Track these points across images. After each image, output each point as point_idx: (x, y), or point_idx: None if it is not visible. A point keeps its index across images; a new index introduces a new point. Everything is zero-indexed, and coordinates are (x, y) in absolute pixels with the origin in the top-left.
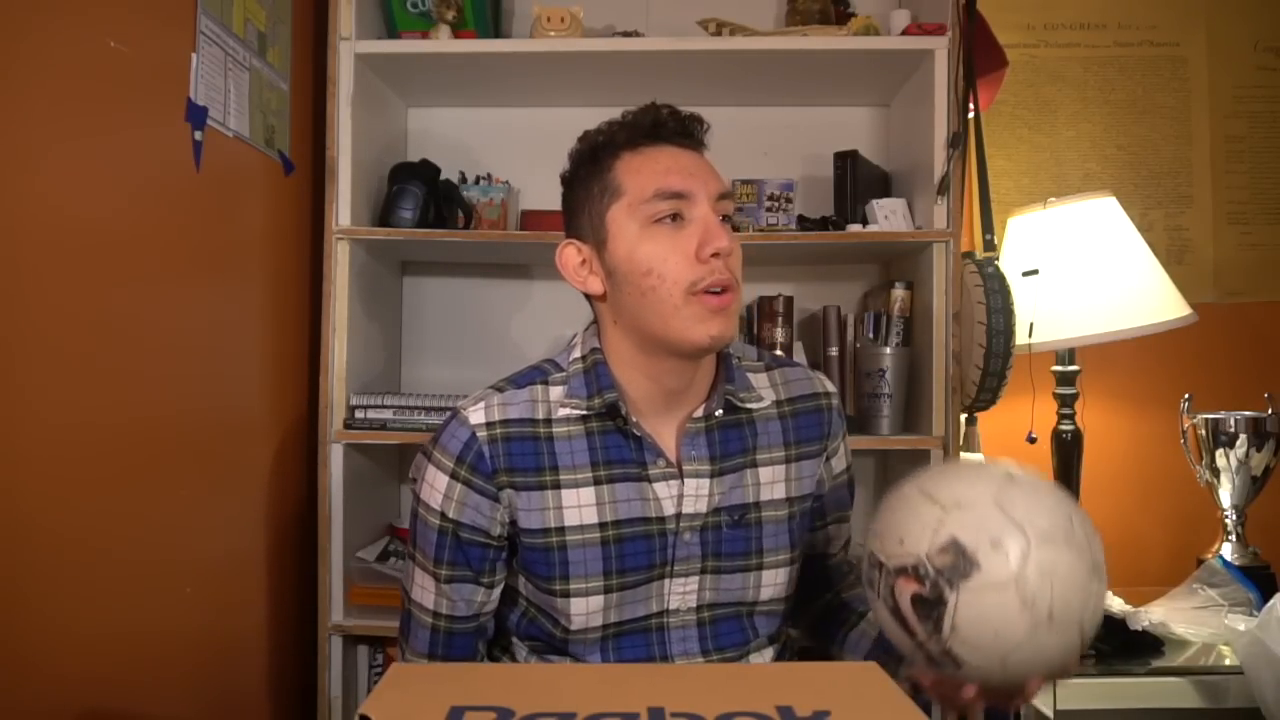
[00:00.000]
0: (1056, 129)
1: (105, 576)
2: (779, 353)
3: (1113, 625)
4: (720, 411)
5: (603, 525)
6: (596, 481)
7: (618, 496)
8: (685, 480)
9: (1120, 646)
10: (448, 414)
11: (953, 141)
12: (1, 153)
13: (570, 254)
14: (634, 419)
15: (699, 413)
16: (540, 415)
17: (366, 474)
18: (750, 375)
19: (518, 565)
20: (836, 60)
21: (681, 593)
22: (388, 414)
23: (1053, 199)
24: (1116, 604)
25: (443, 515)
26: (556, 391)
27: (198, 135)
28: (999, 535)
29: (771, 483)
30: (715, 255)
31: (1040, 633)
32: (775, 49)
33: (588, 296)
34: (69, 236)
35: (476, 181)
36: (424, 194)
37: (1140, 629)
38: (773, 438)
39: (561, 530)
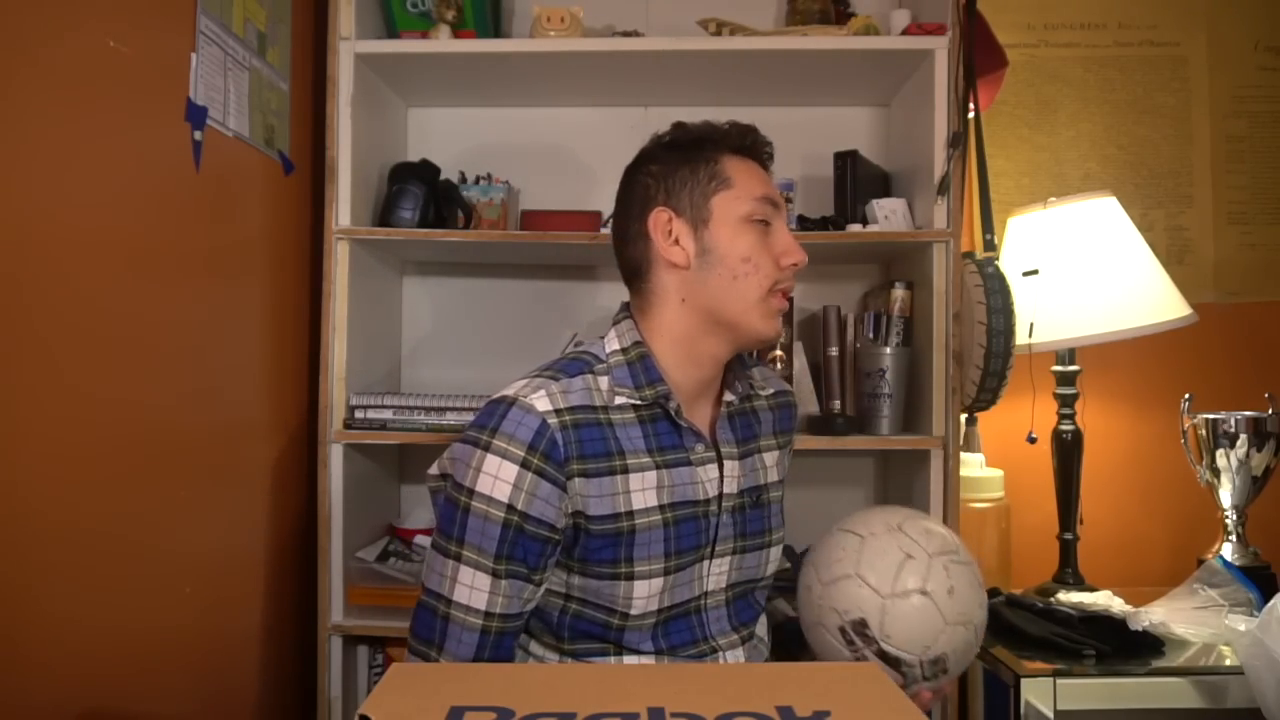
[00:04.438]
0: (1056, 129)
1: (105, 576)
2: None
3: (1113, 625)
4: (737, 399)
5: (663, 508)
6: (656, 466)
7: (674, 480)
8: (725, 463)
9: (1120, 646)
10: (496, 403)
11: (953, 141)
12: (1, 152)
13: (662, 220)
14: (681, 409)
15: (729, 397)
16: (598, 402)
17: (366, 474)
18: (753, 369)
19: (576, 557)
20: (836, 60)
21: (717, 574)
22: (388, 414)
23: (1053, 199)
24: (1117, 604)
25: (509, 507)
26: (604, 381)
27: (197, 135)
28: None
29: (770, 467)
30: (793, 265)
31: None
32: (775, 49)
33: (640, 273)
34: (68, 237)
35: (476, 181)
36: (424, 194)
37: (1140, 629)
38: (766, 426)
39: (631, 514)
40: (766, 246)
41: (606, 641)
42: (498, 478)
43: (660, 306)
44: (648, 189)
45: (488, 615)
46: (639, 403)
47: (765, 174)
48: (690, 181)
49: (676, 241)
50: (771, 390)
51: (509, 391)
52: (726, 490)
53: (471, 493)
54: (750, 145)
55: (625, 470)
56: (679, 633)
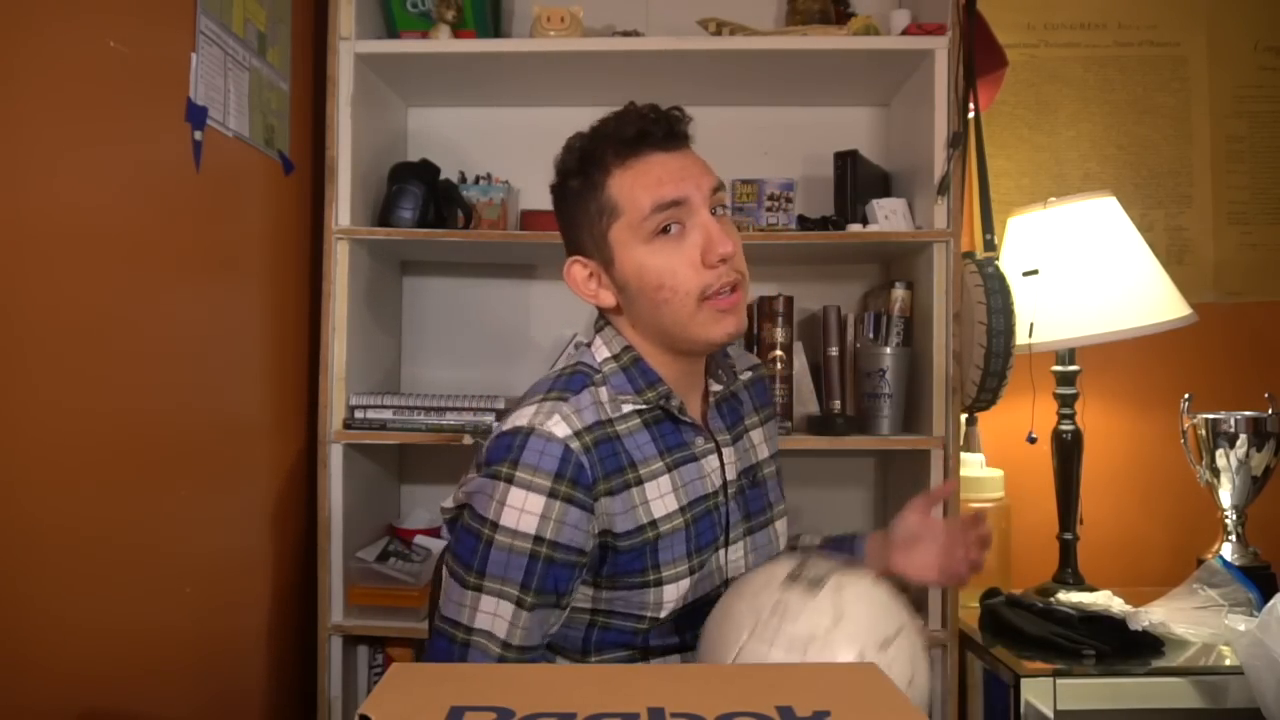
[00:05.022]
0: (1056, 129)
1: (105, 576)
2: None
3: (1113, 625)
4: (722, 387)
5: (682, 509)
6: (668, 469)
7: (685, 479)
8: (723, 450)
9: (1120, 646)
10: (510, 434)
11: (953, 141)
12: (1, 153)
13: (578, 271)
14: (684, 406)
15: (715, 386)
16: (604, 416)
17: (366, 474)
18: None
19: (605, 574)
20: (836, 60)
21: (735, 560)
22: (388, 414)
23: (1053, 199)
24: (1117, 604)
25: (537, 539)
26: (604, 392)
27: (198, 135)
28: None
29: (759, 444)
30: (721, 260)
31: None
32: (775, 49)
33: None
34: (69, 237)
35: (476, 181)
36: (424, 194)
37: (1140, 629)
38: (746, 406)
39: (654, 524)
40: (682, 256)
41: (634, 648)
42: (524, 510)
43: (621, 328)
44: (563, 233)
45: (506, 645)
46: (643, 407)
47: (665, 160)
48: (585, 222)
49: (599, 282)
50: (747, 374)
51: (522, 422)
52: (729, 477)
53: (495, 526)
54: (635, 138)
55: (640, 481)
56: (701, 623)
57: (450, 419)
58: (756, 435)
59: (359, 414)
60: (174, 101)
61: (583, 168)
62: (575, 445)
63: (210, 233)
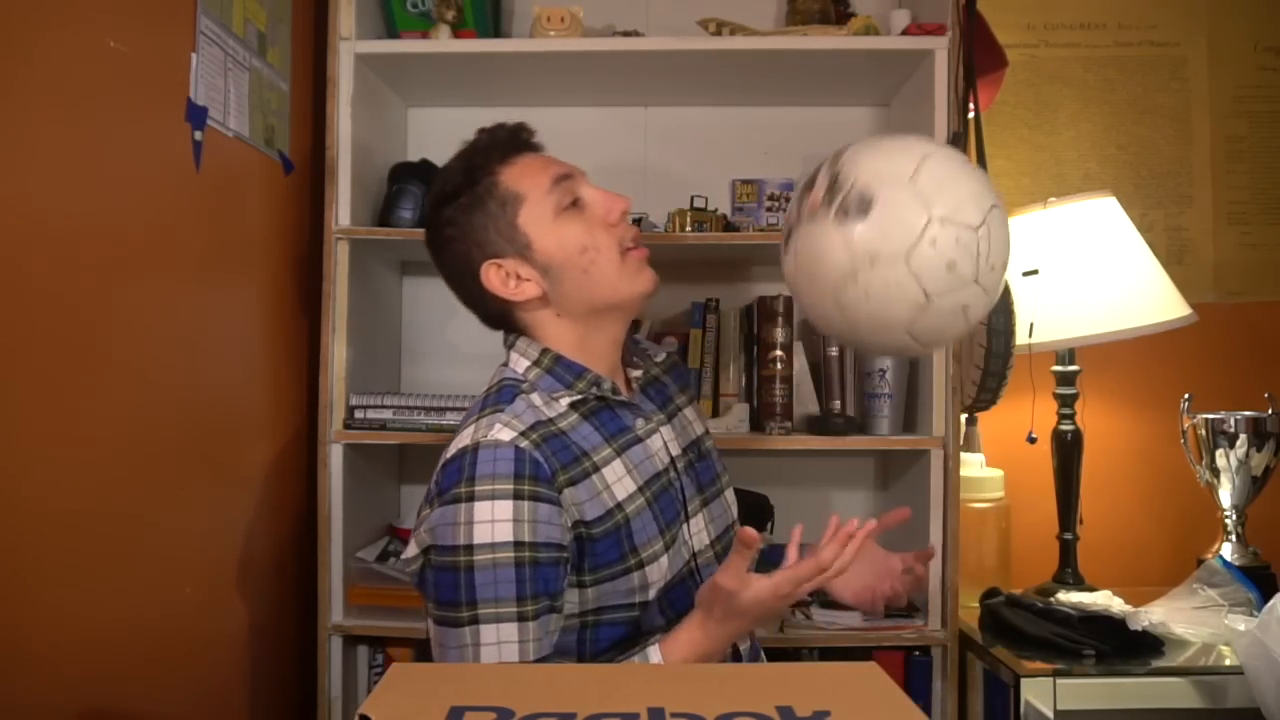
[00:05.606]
0: (1056, 129)
1: (105, 577)
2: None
3: (1113, 625)
4: (642, 372)
5: (640, 489)
6: (617, 453)
7: (636, 460)
8: (661, 429)
9: (1120, 646)
10: (458, 457)
11: (953, 141)
12: (1, 152)
13: (493, 274)
14: (617, 387)
15: (635, 373)
16: (543, 417)
17: (366, 474)
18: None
19: (587, 569)
20: (836, 60)
21: (698, 531)
22: (387, 414)
23: (1053, 199)
24: (1117, 604)
25: (516, 544)
26: (536, 397)
27: (198, 135)
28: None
29: (693, 421)
30: (623, 214)
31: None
32: (775, 49)
33: (508, 320)
34: (69, 236)
35: None
36: (424, 194)
37: (1140, 629)
38: (672, 388)
39: (620, 506)
40: (592, 220)
41: (627, 638)
42: (495, 521)
43: (542, 329)
44: (464, 254)
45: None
46: (578, 398)
47: (541, 156)
48: (488, 222)
49: (519, 279)
50: (661, 356)
51: (465, 442)
52: (674, 453)
53: (470, 548)
54: (511, 143)
55: (596, 469)
56: (680, 600)
57: (450, 419)
58: (690, 413)
59: (359, 414)
60: (174, 101)
61: (471, 178)
62: (525, 444)
63: (210, 233)
